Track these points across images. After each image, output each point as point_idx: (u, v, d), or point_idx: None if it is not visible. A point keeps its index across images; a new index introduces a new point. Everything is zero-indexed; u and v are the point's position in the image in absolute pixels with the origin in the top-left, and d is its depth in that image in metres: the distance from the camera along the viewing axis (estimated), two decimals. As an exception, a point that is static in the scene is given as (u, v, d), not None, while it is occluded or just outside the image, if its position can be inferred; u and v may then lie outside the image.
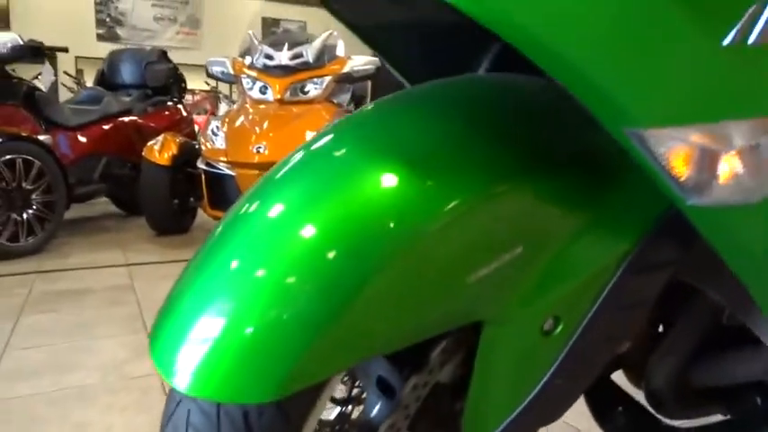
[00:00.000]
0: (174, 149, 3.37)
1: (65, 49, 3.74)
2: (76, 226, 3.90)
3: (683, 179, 0.41)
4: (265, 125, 3.08)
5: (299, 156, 0.53)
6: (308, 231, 0.45)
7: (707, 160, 0.39)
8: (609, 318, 0.53)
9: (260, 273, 0.44)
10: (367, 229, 0.44)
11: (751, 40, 0.33)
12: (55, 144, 3.41)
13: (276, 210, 0.47)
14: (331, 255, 0.43)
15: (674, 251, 0.54)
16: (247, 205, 0.50)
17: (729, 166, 0.39)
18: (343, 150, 0.50)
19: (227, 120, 3.23)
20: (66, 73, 6.28)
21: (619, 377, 0.85)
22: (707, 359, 0.79)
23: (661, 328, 0.81)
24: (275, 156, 2.92)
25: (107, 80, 4.45)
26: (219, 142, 3.10)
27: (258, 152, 2.94)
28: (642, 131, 0.39)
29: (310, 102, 3.31)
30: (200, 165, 3.16)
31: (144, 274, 2.63)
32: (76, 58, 8.70)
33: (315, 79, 3.36)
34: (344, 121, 0.56)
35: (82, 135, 3.67)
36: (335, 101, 3.45)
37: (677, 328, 0.76)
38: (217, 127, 3.18)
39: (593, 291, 0.52)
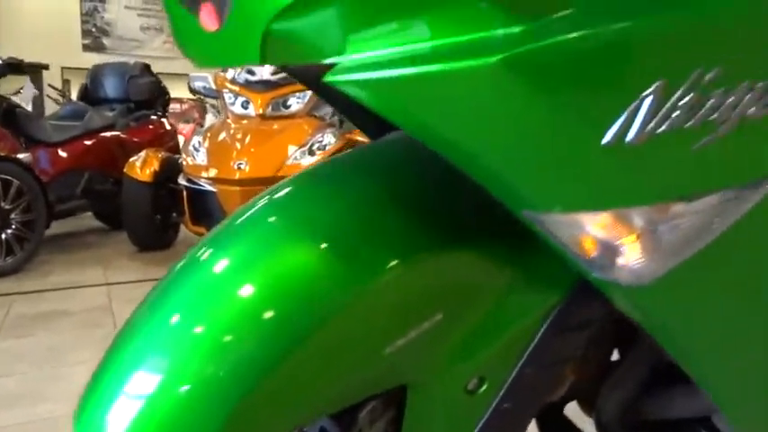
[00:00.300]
0: (155, 165, 3.37)
1: (45, 66, 3.74)
2: (58, 243, 3.88)
3: (583, 257, 0.42)
4: (246, 141, 3.08)
5: (246, 214, 0.54)
6: (247, 291, 0.46)
7: (604, 243, 0.41)
8: (534, 375, 0.54)
9: (198, 329, 0.45)
10: (297, 294, 0.45)
11: (628, 138, 0.35)
12: (36, 161, 3.40)
13: (218, 267, 0.49)
14: (268, 315, 0.44)
15: (596, 309, 0.55)
16: (192, 261, 0.51)
17: (626, 249, 0.40)
18: (278, 217, 0.52)
19: (208, 135, 3.23)
20: (50, 86, 6.26)
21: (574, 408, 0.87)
22: (656, 392, 0.80)
23: (617, 356, 0.82)
24: (256, 172, 2.93)
25: (90, 94, 4.44)
26: (201, 158, 3.10)
27: (239, 168, 2.94)
28: (540, 215, 0.40)
29: (292, 116, 3.32)
30: (182, 181, 3.16)
31: (123, 293, 2.63)
32: (62, 68, 8.67)
33: (297, 93, 3.37)
34: (286, 185, 0.57)
35: (63, 151, 3.66)
36: (318, 114, 3.46)
37: (628, 360, 0.78)
38: (198, 142, 3.18)
39: (516, 350, 0.53)
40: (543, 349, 0.54)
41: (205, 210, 3.10)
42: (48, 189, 3.28)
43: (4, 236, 2.99)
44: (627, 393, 0.79)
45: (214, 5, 0.41)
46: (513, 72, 0.33)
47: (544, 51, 0.33)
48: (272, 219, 0.52)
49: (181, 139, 4.58)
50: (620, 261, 0.41)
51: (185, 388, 0.42)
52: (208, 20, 0.42)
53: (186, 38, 0.47)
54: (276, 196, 0.55)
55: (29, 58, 4.05)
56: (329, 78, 0.39)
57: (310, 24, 0.38)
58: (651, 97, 0.34)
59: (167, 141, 4.36)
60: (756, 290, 0.44)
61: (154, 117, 4.41)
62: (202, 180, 3.05)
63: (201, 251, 0.51)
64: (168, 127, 4.52)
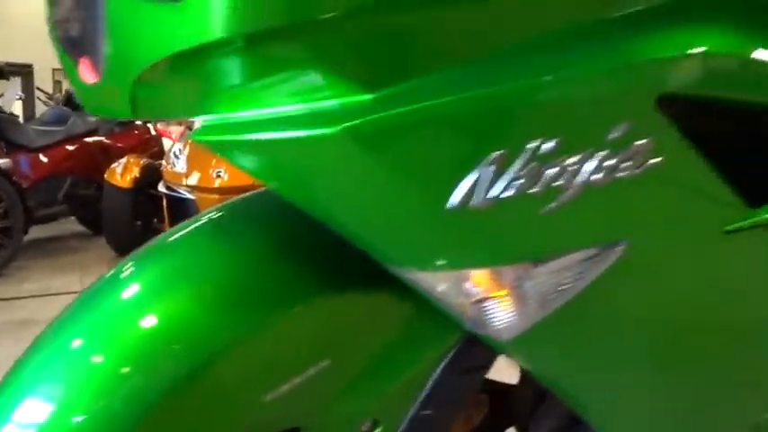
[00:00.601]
0: (136, 172, 3.37)
1: (29, 69, 3.73)
2: (40, 247, 3.87)
3: (453, 311, 0.43)
4: (227, 149, 3.08)
5: (167, 239, 0.55)
6: (146, 323, 0.46)
7: (470, 300, 0.41)
8: (432, 416, 0.55)
9: (96, 358, 0.45)
10: (188, 333, 0.46)
11: (472, 203, 0.35)
12: (16, 166, 3.40)
13: (126, 294, 0.50)
14: (161, 351, 0.45)
15: (492, 352, 0.56)
16: (107, 282, 0.52)
17: (490, 306, 0.41)
18: (184, 253, 0.53)
19: (189, 142, 3.23)
20: (38, 89, 6.23)
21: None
22: (584, 423, 0.81)
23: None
24: (235, 180, 2.92)
25: (74, 99, 4.43)
26: (180, 165, 3.10)
27: (218, 176, 2.94)
28: (406, 272, 0.41)
29: (274, 124, 3.31)
30: (162, 188, 3.16)
31: (98, 301, 2.62)
32: (53, 70, 8.65)
33: (280, 101, 3.36)
34: (207, 214, 0.58)
35: (45, 156, 3.66)
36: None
37: None
38: (179, 149, 3.18)
39: (412, 392, 0.54)
40: (441, 390, 0.54)
41: (185, 217, 3.00)
42: (29, 194, 3.27)
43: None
44: (556, 422, 0.79)
45: (91, 60, 0.42)
46: (356, 141, 0.34)
47: (386, 121, 0.34)
48: (179, 254, 0.53)
49: (168, 143, 4.57)
50: (487, 317, 0.42)
51: (78, 419, 0.42)
52: (86, 73, 0.43)
53: (75, 84, 0.47)
54: (191, 228, 0.56)
55: (19, 59, 4.04)
56: (194, 137, 0.39)
57: (174, 85, 0.39)
58: (492, 165, 0.35)
59: (151, 147, 4.35)
60: (616, 343, 0.45)
61: (138, 122, 4.40)
62: (182, 188, 3.04)
63: (119, 272, 0.52)
64: (153, 132, 4.51)
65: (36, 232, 3.67)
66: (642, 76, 0.35)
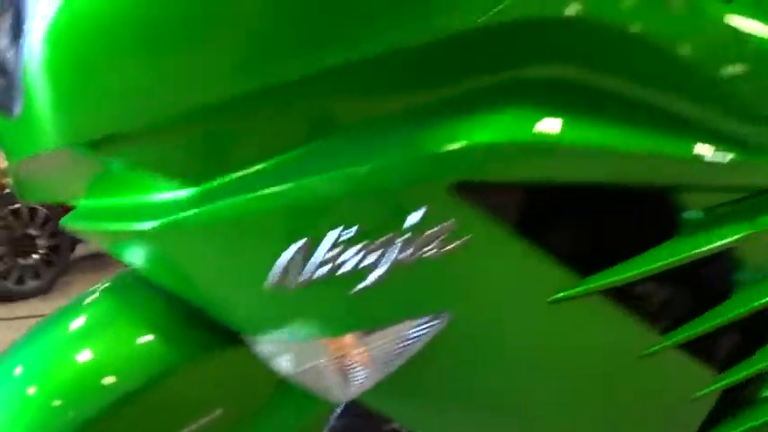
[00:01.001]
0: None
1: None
2: (88, 263, 4.08)
3: (296, 376, 0.47)
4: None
5: (108, 283, 0.60)
6: (83, 358, 0.50)
7: (313, 366, 0.45)
8: (332, 460, 0.58)
9: (31, 390, 0.49)
10: (115, 370, 0.50)
11: (288, 283, 0.39)
12: (66, 187, 3.61)
13: (72, 327, 0.53)
14: (90, 386, 0.49)
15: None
16: (60, 314, 0.56)
17: (326, 370, 0.45)
18: (123, 297, 0.56)
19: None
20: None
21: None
22: None
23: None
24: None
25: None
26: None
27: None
28: (253, 339, 0.45)
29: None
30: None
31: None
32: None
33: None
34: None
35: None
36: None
37: None
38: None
39: (307, 438, 0.57)
40: (340, 434, 0.58)
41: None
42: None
43: (30, 260, 3.20)
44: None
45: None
46: (176, 233, 0.39)
47: (202, 215, 0.38)
48: (123, 293, 0.56)
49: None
50: (329, 380, 0.45)
51: None
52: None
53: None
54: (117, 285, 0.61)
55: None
56: (63, 222, 0.45)
57: (47, 175, 0.44)
58: (299, 251, 0.38)
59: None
60: (462, 399, 0.47)
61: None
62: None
63: (76, 303, 0.56)
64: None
65: (91, 247, 3.85)
66: (430, 167, 0.37)
